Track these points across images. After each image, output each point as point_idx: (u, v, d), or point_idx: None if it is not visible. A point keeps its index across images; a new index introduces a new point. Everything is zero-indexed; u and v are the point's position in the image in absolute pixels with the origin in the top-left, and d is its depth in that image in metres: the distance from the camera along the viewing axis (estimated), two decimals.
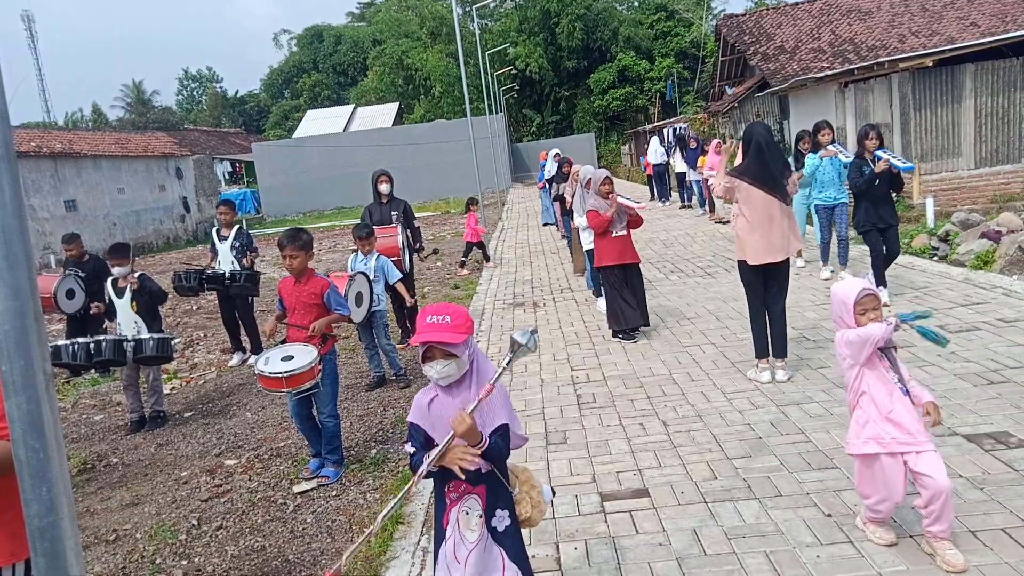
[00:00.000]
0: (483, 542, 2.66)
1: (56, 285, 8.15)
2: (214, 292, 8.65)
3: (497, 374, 2.56)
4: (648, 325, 7.54)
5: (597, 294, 8.85)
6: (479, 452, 2.50)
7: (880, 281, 7.25)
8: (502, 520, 2.70)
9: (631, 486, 4.25)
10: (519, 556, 2.72)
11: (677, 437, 4.87)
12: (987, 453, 4.08)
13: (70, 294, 8.33)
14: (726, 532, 3.63)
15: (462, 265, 13.46)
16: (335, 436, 5.05)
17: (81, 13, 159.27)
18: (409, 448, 2.67)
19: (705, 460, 4.46)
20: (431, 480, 2.72)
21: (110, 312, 6.89)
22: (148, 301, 6.77)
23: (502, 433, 2.59)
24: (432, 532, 3.06)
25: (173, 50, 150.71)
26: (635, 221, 7.33)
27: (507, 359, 2.61)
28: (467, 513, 2.68)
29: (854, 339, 3.23)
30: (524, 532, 2.84)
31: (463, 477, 2.51)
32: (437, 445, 2.56)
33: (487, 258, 13.91)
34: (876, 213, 7.36)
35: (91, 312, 8.08)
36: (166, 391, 7.92)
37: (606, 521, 3.89)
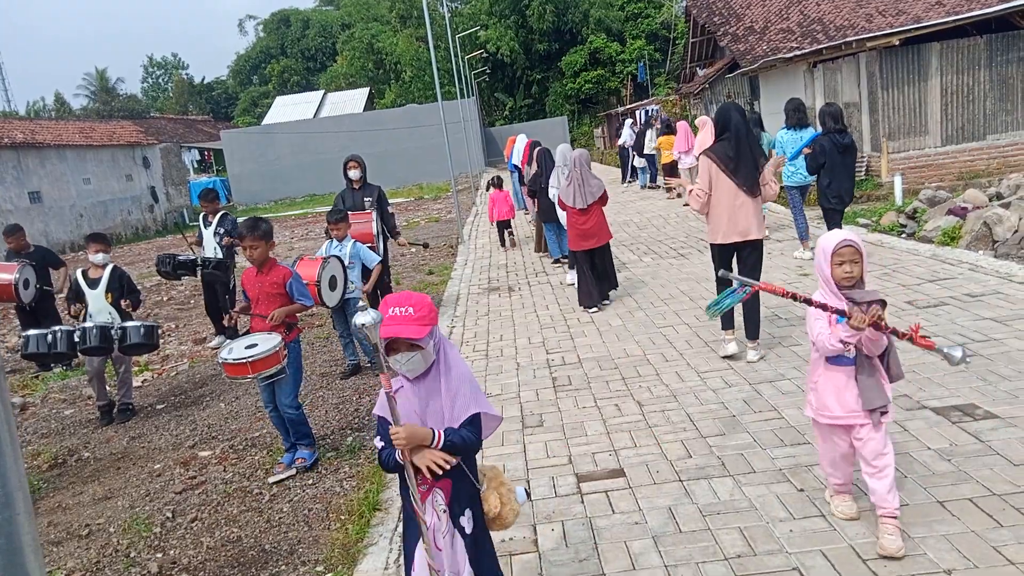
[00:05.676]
0: (450, 537, 2.59)
1: (17, 275, 7.93)
2: (199, 279, 8.67)
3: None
4: (616, 287, 8.28)
5: (571, 266, 9.14)
6: (440, 450, 2.46)
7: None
8: (468, 521, 2.62)
9: (607, 467, 4.28)
10: (483, 562, 2.64)
11: (652, 417, 4.91)
12: (954, 425, 4.16)
13: (25, 284, 8.08)
14: (701, 509, 3.67)
15: (503, 244, 13.24)
16: (301, 423, 5.02)
17: None
18: (378, 443, 2.62)
19: (680, 439, 4.50)
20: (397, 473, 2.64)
21: (80, 298, 6.62)
22: (123, 295, 6.59)
23: (473, 422, 2.53)
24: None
25: (137, 36, 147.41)
26: (602, 198, 7.88)
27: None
28: (435, 506, 2.62)
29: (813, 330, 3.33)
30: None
31: (429, 476, 2.48)
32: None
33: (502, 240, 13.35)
34: (837, 189, 7.78)
35: (71, 313, 6.90)
36: (137, 383, 7.82)
37: (582, 502, 3.91)
